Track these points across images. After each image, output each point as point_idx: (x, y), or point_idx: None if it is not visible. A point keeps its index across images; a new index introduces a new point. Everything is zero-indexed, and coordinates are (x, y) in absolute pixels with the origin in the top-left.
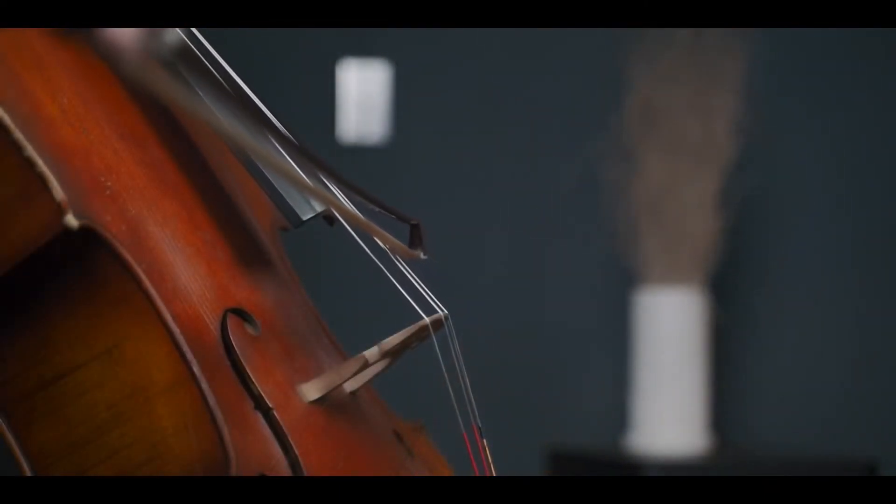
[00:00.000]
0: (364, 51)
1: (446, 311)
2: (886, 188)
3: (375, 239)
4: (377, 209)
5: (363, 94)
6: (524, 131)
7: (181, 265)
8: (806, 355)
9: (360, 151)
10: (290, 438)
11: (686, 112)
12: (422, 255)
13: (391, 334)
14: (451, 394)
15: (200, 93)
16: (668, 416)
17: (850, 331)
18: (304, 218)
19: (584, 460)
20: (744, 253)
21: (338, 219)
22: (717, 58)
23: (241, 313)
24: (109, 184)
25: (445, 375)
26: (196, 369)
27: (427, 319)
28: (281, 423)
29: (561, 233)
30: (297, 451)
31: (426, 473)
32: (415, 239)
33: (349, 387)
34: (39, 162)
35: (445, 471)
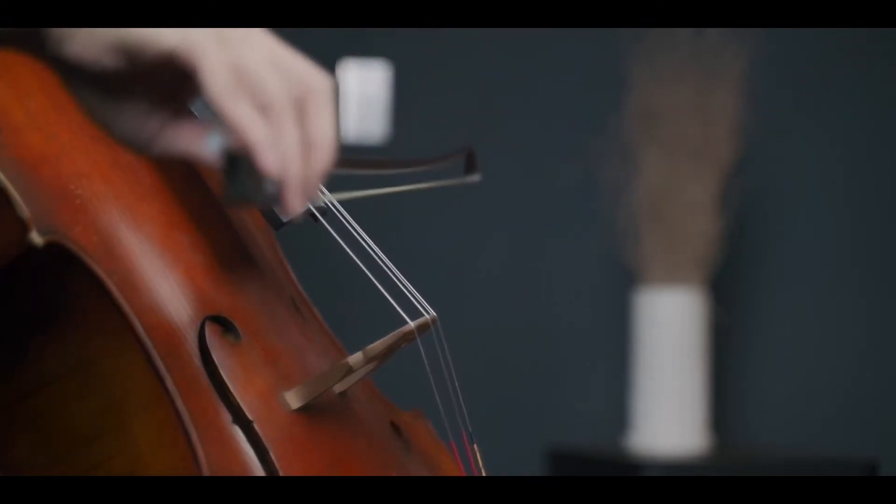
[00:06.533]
0: (364, 51)
1: (434, 314)
2: (887, 188)
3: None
4: (423, 167)
5: (363, 94)
6: (524, 131)
7: (157, 273)
8: (806, 355)
9: (360, 151)
10: (271, 453)
11: (686, 112)
12: (476, 179)
13: (381, 334)
14: (439, 400)
15: None
16: (668, 416)
17: (849, 330)
18: (284, 220)
19: (584, 460)
20: (744, 253)
21: (319, 219)
22: (717, 58)
23: (220, 320)
24: (80, 192)
25: (432, 381)
26: (170, 384)
27: (412, 324)
28: (262, 436)
29: (561, 233)
30: (278, 465)
31: (425, 469)
32: (470, 165)
33: (338, 388)
34: (2, 177)
35: (446, 459)
